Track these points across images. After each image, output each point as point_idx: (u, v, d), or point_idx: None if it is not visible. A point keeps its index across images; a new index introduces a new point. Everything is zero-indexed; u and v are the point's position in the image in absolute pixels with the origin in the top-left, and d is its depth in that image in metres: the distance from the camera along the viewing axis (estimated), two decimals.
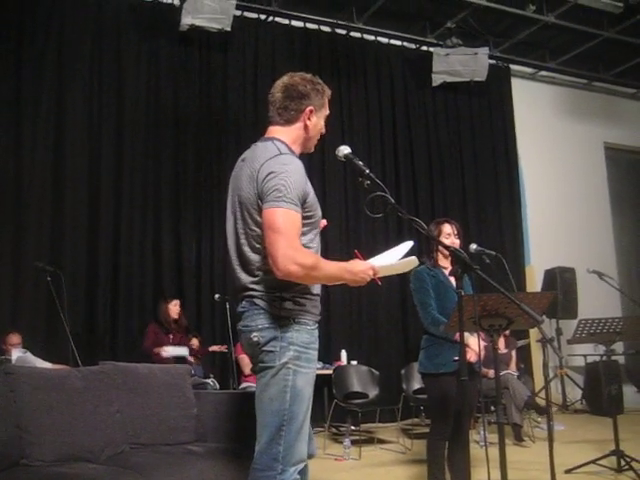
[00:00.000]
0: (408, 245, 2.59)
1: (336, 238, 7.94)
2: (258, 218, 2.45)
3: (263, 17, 8.31)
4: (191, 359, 6.54)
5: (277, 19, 8.37)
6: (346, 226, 8.32)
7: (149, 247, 7.24)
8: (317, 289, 2.57)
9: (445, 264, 3.94)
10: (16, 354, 5.43)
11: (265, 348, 2.43)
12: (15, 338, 5.85)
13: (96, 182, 7.12)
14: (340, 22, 8.59)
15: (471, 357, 3.71)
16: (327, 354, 7.42)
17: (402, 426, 7.01)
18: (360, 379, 6.95)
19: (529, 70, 10.29)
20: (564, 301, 8.78)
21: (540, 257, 9.55)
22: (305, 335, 2.46)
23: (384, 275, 2.55)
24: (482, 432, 5.87)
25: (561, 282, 8.88)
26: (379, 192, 2.55)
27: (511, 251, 9.27)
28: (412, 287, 3.97)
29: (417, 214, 8.30)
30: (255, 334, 2.45)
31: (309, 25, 8.57)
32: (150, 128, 7.49)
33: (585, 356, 8.78)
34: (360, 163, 2.62)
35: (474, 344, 3.62)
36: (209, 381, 6.27)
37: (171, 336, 6.58)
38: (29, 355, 5.51)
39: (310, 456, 2.63)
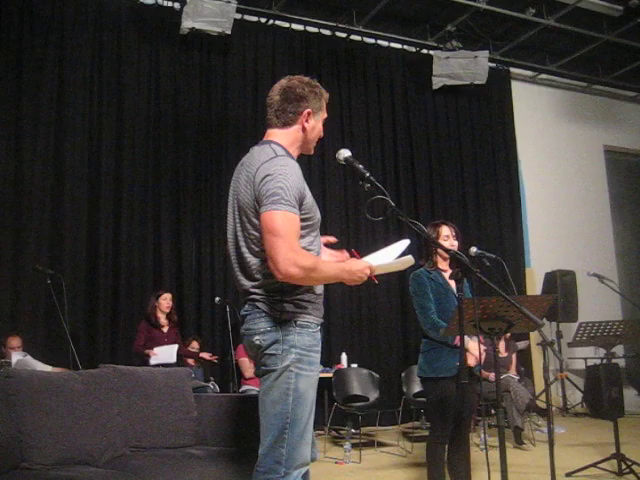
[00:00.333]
0: (405, 243, 2.59)
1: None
2: (256, 221, 2.45)
3: (263, 20, 8.32)
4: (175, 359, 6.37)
5: (277, 22, 8.38)
6: (346, 229, 8.31)
7: (149, 250, 7.24)
8: (320, 289, 2.57)
9: (444, 267, 3.94)
10: (16, 357, 5.43)
11: (267, 351, 2.43)
12: (15, 341, 5.86)
13: (96, 185, 7.12)
14: (340, 25, 8.60)
15: (471, 362, 3.72)
16: (327, 357, 7.42)
17: (402, 429, 7.00)
18: (360, 382, 6.95)
19: (529, 73, 10.31)
20: (564, 304, 8.78)
21: (540, 260, 9.56)
22: (307, 338, 2.46)
23: (380, 273, 2.54)
24: (482, 435, 5.87)
25: (561, 285, 8.88)
26: (379, 195, 2.55)
27: (511, 254, 9.27)
28: (411, 290, 3.96)
29: (417, 217, 8.30)
30: (257, 337, 2.46)
31: (309, 28, 8.58)
32: (150, 131, 7.49)
33: (585, 359, 8.77)
34: (360, 166, 2.62)
35: (474, 348, 3.62)
36: (209, 384, 6.26)
37: (164, 331, 6.45)
38: (29, 358, 5.51)
39: (312, 460, 2.63)
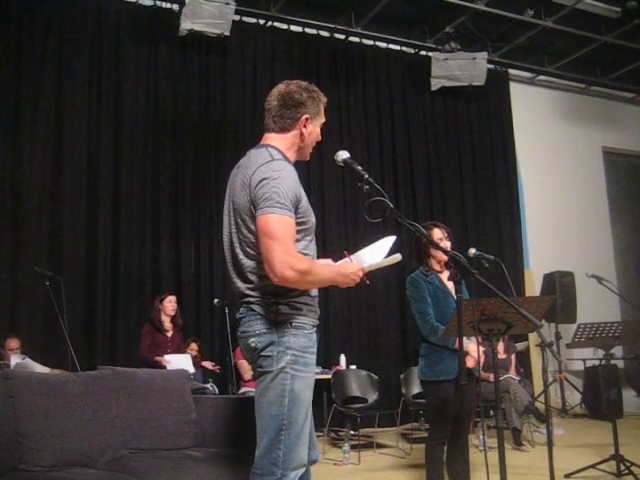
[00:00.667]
0: (391, 240, 2.59)
1: (335, 243, 7.93)
2: (251, 224, 2.46)
3: (262, 22, 8.32)
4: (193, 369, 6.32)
5: (276, 24, 8.38)
6: (345, 231, 8.31)
7: (148, 252, 7.24)
8: (315, 292, 2.58)
9: (439, 269, 3.94)
10: (15, 360, 5.42)
11: (263, 353, 2.44)
12: (14, 343, 5.85)
13: (95, 187, 7.12)
14: (339, 27, 8.61)
15: (470, 363, 3.72)
16: (326, 359, 7.42)
17: (401, 430, 7.00)
18: (359, 384, 6.95)
19: (527, 75, 10.32)
20: (563, 305, 8.78)
21: (539, 261, 9.57)
22: (302, 339, 2.46)
23: (370, 271, 2.55)
24: (481, 436, 5.87)
25: (560, 286, 8.89)
26: (378, 197, 2.55)
27: (510, 255, 9.28)
28: (409, 294, 3.96)
29: (416, 219, 8.28)
30: (253, 339, 2.46)
31: (308, 30, 8.59)
32: (149, 132, 7.49)
33: (584, 360, 8.77)
34: (359, 168, 2.62)
35: (473, 350, 3.62)
36: (208, 386, 6.24)
37: (169, 335, 6.45)
38: (28, 361, 5.50)
39: (313, 462, 2.63)
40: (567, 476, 4.78)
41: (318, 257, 2.65)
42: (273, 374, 2.41)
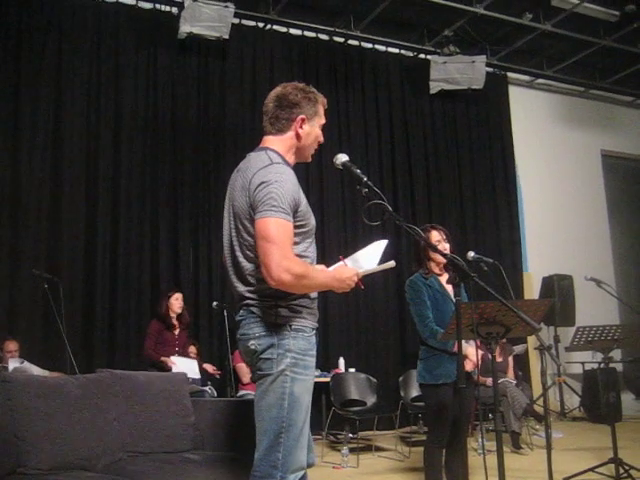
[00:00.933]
0: (383, 243, 2.60)
1: (334, 246, 7.93)
2: (251, 227, 2.46)
3: (261, 25, 8.33)
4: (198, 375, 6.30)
5: (275, 27, 8.38)
6: (344, 234, 8.31)
7: (147, 255, 7.23)
8: (314, 294, 2.58)
9: (438, 272, 3.94)
10: (13, 364, 5.41)
11: (262, 356, 2.44)
12: (12, 345, 5.85)
13: (93, 189, 7.12)
14: (338, 30, 8.62)
15: (468, 367, 3.72)
16: (325, 362, 7.41)
17: (400, 434, 7.00)
18: (358, 387, 6.94)
19: (526, 78, 10.32)
20: (562, 308, 8.79)
21: (538, 264, 9.57)
22: (302, 342, 2.46)
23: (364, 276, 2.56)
24: (480, 440, 5.87)
25: (559, 289, 8.89)
26: (377, 200, 2.55)
27: (509, 258, 9.28)
28: (408, 297, 3.96)
29: (414, 222, 8.30)
30: (252, 342, 2.46)
31: (307, 33, 8.60)
32: (148, 135, 7.49)
33: (583, 363, 8.77)
34: (358, 171, 2.62)
35: (472, 354, 3.62)
36: (207, 389, 6.24)
37: (176, 333, 6.38)
38: (26, 364, 5.50)
39: (310, 465, 2.62)
40: (566, 479, 4.77)
41: (317, 261, 2.65)
42: (273, 377, 2.41)
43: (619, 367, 8.93)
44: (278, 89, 2.66)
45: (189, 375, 5.88)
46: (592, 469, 4.83)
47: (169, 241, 7.38)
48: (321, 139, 2.71)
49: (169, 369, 5.97)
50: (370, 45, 9.03)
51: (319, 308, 2.64)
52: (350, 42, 8.89)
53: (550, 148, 10.18)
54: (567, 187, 10.14)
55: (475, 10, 8.14)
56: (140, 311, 7.05)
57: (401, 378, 7.02)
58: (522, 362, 8.60)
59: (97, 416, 3.26)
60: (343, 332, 8.08)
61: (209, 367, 6.67)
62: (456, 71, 8.82)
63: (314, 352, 2.52)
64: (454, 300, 3.21)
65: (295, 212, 2.44)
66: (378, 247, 2.60)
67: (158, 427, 3.56)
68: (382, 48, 9.13)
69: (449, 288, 3.82)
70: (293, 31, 8.50)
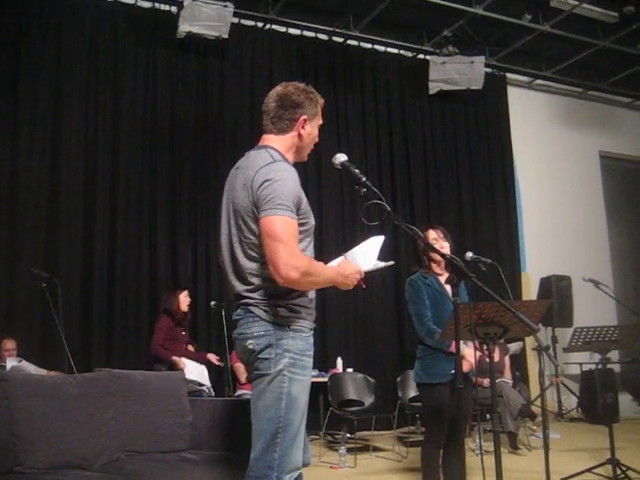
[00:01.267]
0: (380, 239, 2.61)
1: (332, 246, 7.93)
2: (253, 226, 2.46)
3: (260, 25, 8.33)
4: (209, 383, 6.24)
5: (274, 27, 8.38)
6: (342, 234, 8.31)
7: (145, 254, 7.23)
8: (312, 294, 2.58)
9: (439, 271, 3.94)
10: (10, 363, 5.40)
11: (260, 355, 2.44)
12: (10, 344, 5.83)
13: (92, 188, 7.11)
14: (337, 30, 8.61)
15: (465, 368, 3.72)
16: (323, 362, 7.41)
17: (397, 434, 7.00)
18: (356, 387, 6.94)
19: (525, 79, 10.33)
20: (560, 309, 8.79)
21: (536, 265, 9.57)
22: (300, 342, 2.46)
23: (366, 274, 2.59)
24: (478, 440, 5.86)
25: (557, 290, 8.90)
26: (375, 200, 2.55)
27: (507, 259, 9.28)
28: (407, 296, 3.96)
29: (413, 222, 8.30)
30: (250, 342, 2.46)
31: (306, 33, 8.59)
32: (147, 134, 7.48)
33: (581, 364, 8.78)
34: (356, 171, 2.62)
35: (469, 355, 3.62)
36: (204, 388, 6.23)
37: (183, 332, 6.35)
38: (24, 363, 5.49)
39: (305, 465, 2.62)
40: None
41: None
42: (271, 377, 2.41)
43: (617, 368, 8.93)
44: (279, 88, 2.65)
45: (200, 381, 5.98)
46: (589, 470, 4.83)
47: (167, 240, 7.38)
48: (317, 139, 2.72)
49: (178, 369, 5.92)
50: (369, 45, 9.03)
51: (317, 308, 2.63)
52: (349, 42, 8.88)
53: (549, 149, 10.19)
54: (565, 188, 10.14)
55: (474, 11, 8.14)
56: (138, 310, 7.05)
57: (399, 378, 7.02)
58: (520, 363, 8.61)
59: (95, 415, 3.26)
60: (341, 332, 8.09)
61: (213, 357, 6.62)
62: (455, 72, 8.82)
63: (312, 352, 2.52)
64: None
65: (297, 210, 2.44)
66: (375, 243, 2.60)
67: (156, 426, 3.56)
68: (381, 48, 9.13)
69: (449, 288, 3.82)
70: (292, 31, 8.50)
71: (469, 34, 8.75)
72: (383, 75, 9.11)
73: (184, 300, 6.40)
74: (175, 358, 6.08)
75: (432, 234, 3.96)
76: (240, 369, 6.69)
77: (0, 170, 6.73)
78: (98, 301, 6.91)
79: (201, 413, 3.78)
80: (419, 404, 5.92)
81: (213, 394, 6.29)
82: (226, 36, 7.49)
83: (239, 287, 2.53)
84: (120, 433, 3.39)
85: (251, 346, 2.45)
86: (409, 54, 9.35)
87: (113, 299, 6.99)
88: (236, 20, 7.86)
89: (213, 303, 6.73)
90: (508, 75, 10.11)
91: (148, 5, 7.71)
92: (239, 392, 6.66)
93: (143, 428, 3.52)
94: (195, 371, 6.03)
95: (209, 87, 7.94)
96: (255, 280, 2.48)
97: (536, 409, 7.44)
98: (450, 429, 3.76)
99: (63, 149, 7.04)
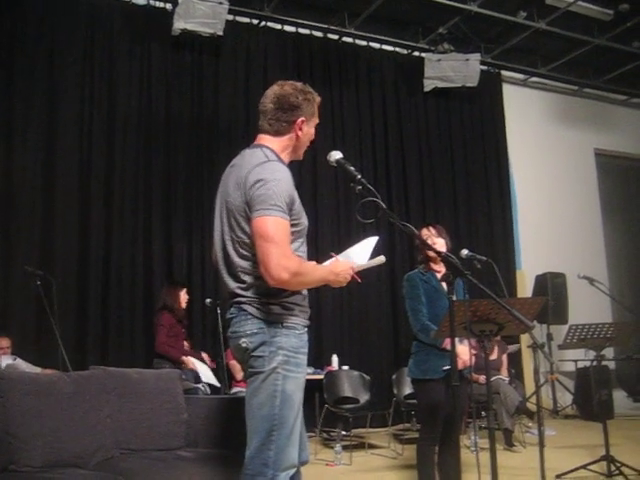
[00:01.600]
0: (374, 240, 2.61)
1: (327, 243, 7.92)
2: (245, 225, 2.45)
3: (255, 22, 8.31)
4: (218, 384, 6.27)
5: (269, 24, 8.37)
6: (337, 231, 8.31)
7: (140, 252, 7.21)
8: (305, 292, 2.58)
9: (438, 268, 3.94)
10: (5, 361, 5.40)
11: (254, 353, 2.43)
12: (4, 342, 5.82)
13: (87, 186, 7.09)
14: (332, 27, 8.61)
15: (459, 365, 3.72)
16: (318, 359, 7.41)
17: (393, 431, 7.00)
18: (351, 384, 6.94)
19: (520, 76, 10.34)
20: (555, 306, 8.80)
21: (531, 262, 9.59)
22: (294, 339, 2.46)
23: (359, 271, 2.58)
24: (473, 437, 5.88)
25: (552, 287, 8.91)
26: (371, 197, 2.55)
27: (502, 256, 9.30)
28: (404, 292, 3.98)
29: (408, 219, 8.31)
30: (244, 340, 2.46)
31: (301, 30, 8.59)
32: (141, 132, 7.47)
33: (576, 361, 8.80)
34: (352, 168, 2.62)
35: (463, 352, 3.63)
36: (200, 386, 6.23)
37: (183, 330, 6.34)
38: (19, 361, 5.49)
39: (303, 463, 2.62)
40: (558, 476, 4.79)
41: (309, 259, 2.65)
42: (264, 374, 2.40)
43: (611, 365, 8.96)
44: (276, 88, 2.62)
45: (211, 382, 6.04)
46: (584, 466, 4.85)
47: (163, 238, 7.37)
48: (313, 137, 2.71)
49: (187, 369, 5.98)
50: (364, 42, 9.02)
51: (312, 305, 2.63)
52: (344, 39, 8.88)
53: (544, 146, 10.20)
54: (560, 185, 10.16)
55: (469, 8, 8.15)
56: (133, 308, 7.04)
57: (394, 376, 7.03)
58: (515, 360, 8.62)
59: (90, 413, 3.25)
60: (336, 329, 8.09)
61: (206, 357, 6.63)
62: (450, 69, 8.83)
63: (306, 350, 2.52)
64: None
65: (290, 210, 2.44)
66: (369, 243, 2.60)
67: (151, 424, 3.56)
68: (376, 45, 9.13)
69: (445, 285, 3.83)
70: (287, 28, 8.49)
71: (464, 31, 8.75)
72: (378, 72, 9.10)
73: (184, 297, 6.40)
74: (184, 358, 6.09)
75: (425, 232, 3.97)
76: (235, 367, 6.68)
77: None
78: (93, 299, 6.89)
79: (197, 411, 3.77)
80: (414, 401, 5.95)
81: (209, 392, 6.29)
82: (221, 33, 7.47)
83: (232, 285, 2.52)
84: (115, 431, 3.39)
85: (244, 344, 2.45)
86: (404, 51, 9.35)
87: (108, 297, 6.98)
88: (231, 17, 7.85)
89: (208, 301, 6.71)
90: (503, 72, 10.12)
91: (143, 2, 7.69)
92: (235, 390, 6.66)
93: (138, 426, 3.51)
94: (207, 373, 6.07)
95: (204, 84, 7.93)
96: (247, 278, 2.48)
97: (531, 406, 7.46)
98: (445, 426, 3.76)
99: (58, 147, 7.02)
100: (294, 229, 2.49)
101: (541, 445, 3.85)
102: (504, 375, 6.97)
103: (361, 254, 2.58)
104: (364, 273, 2.59)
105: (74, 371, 4.38)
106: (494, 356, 6.96)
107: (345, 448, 6.06)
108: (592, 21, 8.65)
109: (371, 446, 6.66)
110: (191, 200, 7.58)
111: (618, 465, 4.76)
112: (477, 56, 8.84)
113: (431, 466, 3.78)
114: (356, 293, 8.02)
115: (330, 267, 2.52)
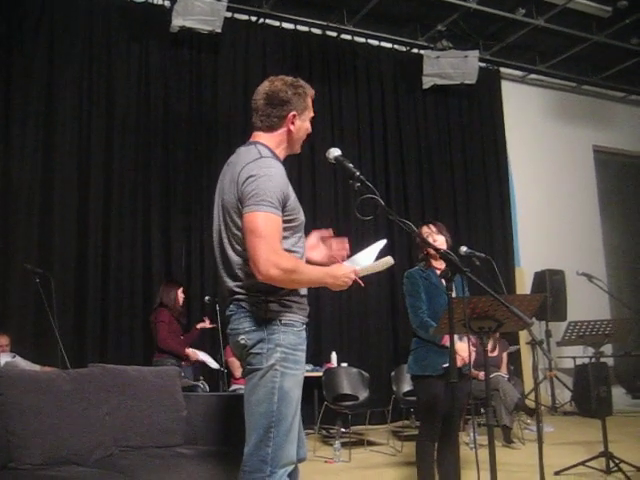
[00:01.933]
0: (382, 243, 2.61)
1: None
2: (239, 221, 2.45)
3: (254, 19, 8.30)
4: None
5: (268, 21, 8.36)
6: (336, 228, 8.24)
7: (139, 249, 7.21)
8: (304, 291, 2.57)
9: (438, 265, 3.94)
10: (4, 359, 5.40)
11: (252, 350, 2.44)
12: (3, 339, 5.82)
13: (85, 184, 7.09)
14: (331, 24, 8.60)
15: (459, 362, 3.72)
16: (317, 356, 7.42)
17: (392, 428, 7.01)
18: (350, 381, 6.95)
19: (519, 73, 10.34)
20: (553, 303, 8.82)
21: (530, 259, 9.60)
22: (292, 336, 2.46)
23: (363, 275, 2.56)
24: (472, 434, 5.88)
25: (550, 284, 8.92)
26: (369, 194, 2.54)
27: (501, 253, 9.31)
28: (404, 289, 3.98)
29: (407, 216, 8.31)
30: (242, 337, 2.46)
31: (300, 27, 8.57)
32: (140, 129, 7.46)
33: (574, 358, 8.81)
34: (350, 165, 2.62)
35: (462, 350, 3.62)
36: (199, 383, 6.24)
37: (180, 328, 6.35)
38: (18, 359, 5.48)
39: (301, 460, 2.62)
40: (557, 473, 4.80)
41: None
42: (263, 371, 2.40)
43: (610, 362, 8.97)
44: (266, 85, 2.62)
45: (212, 365, 6.31)
46: (583, 463, 4.86)
47: (161, 235, 7.36)
48: (310, 130, 2.70)
49: (192, 361, 6.17)
50: (363, 40, 9.02)
51: (311, 303, 2.63)
52: (343, 36, 8.87)
53: (542, 143, 10.20)
54: (559, 182, 10.16)
55: (468, 5, 8.14)
56: (132, 305, 7.04)
57: (393, 373, 7.04)
58: (514, 357, 8.63)
59: (89, 411, 3.25)
60: (335, 326, 8.09)
61: (203, 324, 6.62)
62: (449, 66, 8.82)
63: (304, 347, 2.52)
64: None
65: (284, 206, 2.43)
66: (376, 247, 2.60)
67: (150, 422, 3.56)
68: (375, 43, 9.12)
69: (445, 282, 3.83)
70: (286, 25, 8.48)
71: (463, 28, 8.75)
72: (377, 69, 9.10)
73: (181, 295, 6.40)
74: (188, 350, 6.15)
75: (425, 230, 3.97)
76: (234, 364, 6.69)
77: None
78: (92, 297, 6.89)
79: (196, 408, 3.77)
80: (413, 398, 5.96)
81: (208, 389, 6.30)
82: (219, 30, 7.46)
83: (230, 282, 2.53)
84: (114, 428, 3.39)
85: (243, 341, 2.45)
86: (403, 48, 9.34)
87: (107, 295, 6.97)
88: (230, 14, 7.84)
89: (207, 298, 6.72)
90: (502, 69, 10.12)
91: None
92: (233, 387, 6.66)
93: (137, 423, 3.51)
94: (208, 358, 6.29)
95: (202, 81, 7.92)
96: (244, 275, 2.48)
97: (530, 403, 7.47)
98: (445, 423, 3.76)
99: (56, 144, 7.01)
100: (291, 224, 2.49)
101: (540, 442, 3.85)
102: (503, 372, 6.98)
103: (367, 258, 2.58)
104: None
105: (73, 369, 4.37)
106: (495, 353, 6.97)
107: (344, 445, 6.07)
108: (591, 18, 8.65)
109: (370, 443, 6.67)
110: (190, 198, 7.58)
111: (617, 461, 4.77)
112: (476, 53, 8.84)
113: (430, 463, 3.78)
114: (355, 290, 7.98)
115: (328, 269, 2.51)
